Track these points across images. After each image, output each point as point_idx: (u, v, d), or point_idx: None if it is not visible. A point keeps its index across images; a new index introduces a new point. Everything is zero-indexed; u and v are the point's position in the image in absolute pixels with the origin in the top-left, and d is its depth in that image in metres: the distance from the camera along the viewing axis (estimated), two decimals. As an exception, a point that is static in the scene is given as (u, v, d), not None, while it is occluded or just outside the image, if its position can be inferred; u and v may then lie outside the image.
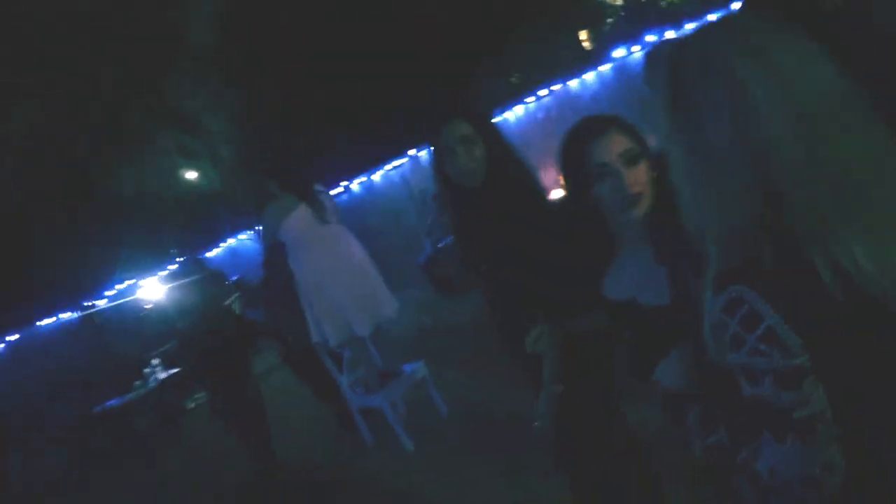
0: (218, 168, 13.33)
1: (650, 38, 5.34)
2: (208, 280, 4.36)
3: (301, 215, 4.00)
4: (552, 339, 1.90)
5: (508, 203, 1.90)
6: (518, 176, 1.97)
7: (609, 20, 19.36)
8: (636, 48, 5.57)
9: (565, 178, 1.49)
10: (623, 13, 18.94)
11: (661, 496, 2.20)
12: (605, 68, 5.97)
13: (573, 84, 6.29)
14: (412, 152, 8.31)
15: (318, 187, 4.16)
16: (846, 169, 0.81)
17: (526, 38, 18.49)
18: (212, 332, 4.10)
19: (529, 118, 6.87)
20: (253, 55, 12.57)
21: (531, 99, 6.73)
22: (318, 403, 5.00)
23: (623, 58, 5.71)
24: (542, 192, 2.06)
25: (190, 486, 5.40)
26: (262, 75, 12.52)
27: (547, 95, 6.59)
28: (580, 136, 1.45)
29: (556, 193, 6.23)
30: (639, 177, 1.39)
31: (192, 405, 7.80)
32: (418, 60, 14.17)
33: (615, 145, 1.39)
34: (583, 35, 22.10)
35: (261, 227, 4.37)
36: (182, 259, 6.80)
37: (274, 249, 4.12)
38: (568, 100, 6.43)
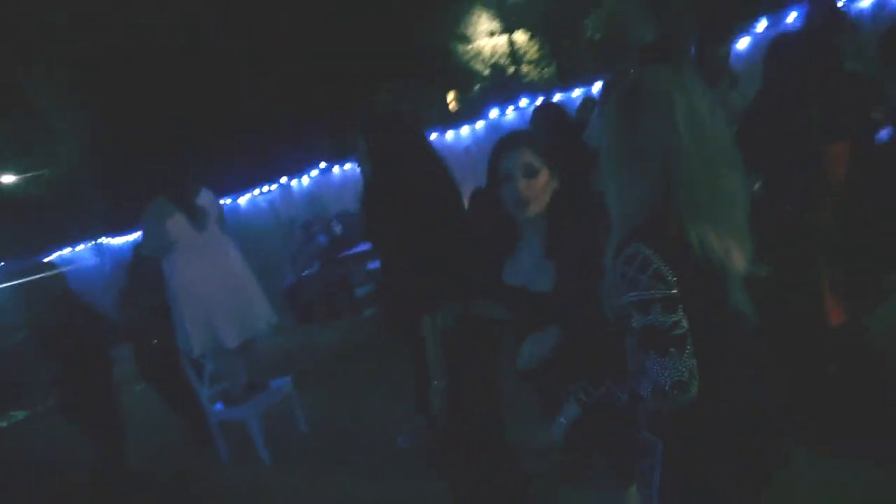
0: (61, 169, 12.31)
1: (524, 101, 6.02)
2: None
3: (180, 220, 3.97)
4: (436, 330, 2.19)
5: (417, 193, 2.22)
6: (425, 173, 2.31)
7: (477, 86, 20.84)
8: (510, 110, 6.23)
9: (487, 178, 1.83)
10: (490, 82, 20.48)
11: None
12: (479, 125, 6.55)
13: (449, 135, 6.81)
14: (283, 180, 8.36)
15: (205, 192, 4.16)
16: (717, 182, 1.27)
17: (396, 93, 19.39)
18: (66, 334, 3.88)
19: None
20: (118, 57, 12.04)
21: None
22: (173, 416, 4.81)
23: (498, 117, 6.33)
24: (453, 187, 2.38)
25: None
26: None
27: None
28: (498, 147, 1.84)
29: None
30: (533, 186, 1.77)
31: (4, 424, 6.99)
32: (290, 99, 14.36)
33: (520, 159, 1.78)
34: (450, 96, 23.47)
35: (141, 228, 4.27)
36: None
37: (145, 252, 4.05)
38: (443, 150, 6.91)
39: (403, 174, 2.31)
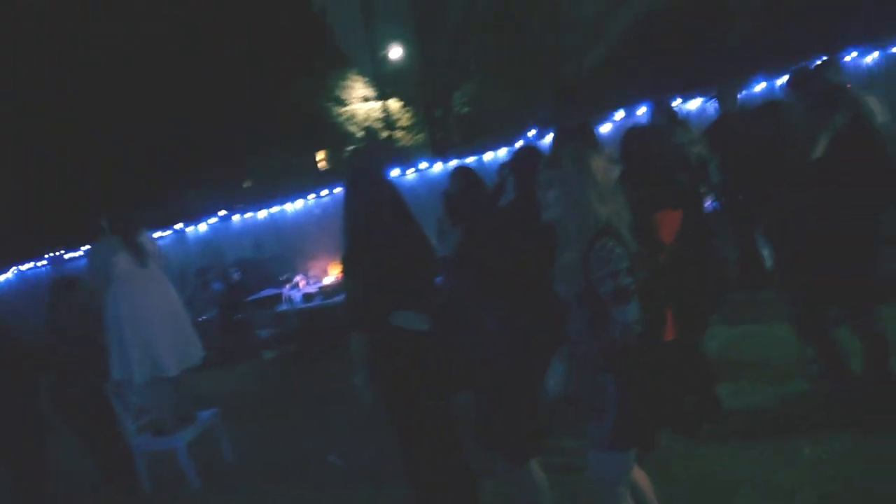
0: None
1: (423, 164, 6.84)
2: None
3: (125, 257, 4.24)
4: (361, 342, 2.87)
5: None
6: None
7: (349, 148, 21.61)
8: (410, 171, 7.03)
9: None
10: (362, 144, 21.37)
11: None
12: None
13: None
14: (178, 226, 8.44)
15: (144, 233, 4.44)
16: (617, 208, 2.09)
17: (268, 151, 19.71)
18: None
19: (307, 211, 7.76)
20: None
21: (311, 196, 7.67)
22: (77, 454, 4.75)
23: (398, 177, 7.09)
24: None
25: None
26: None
27: (326, 196, 7.61)
28: None
29: (328, 279, 7.10)
30: (442, 235, 2.85)
31: None
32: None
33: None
34: (320, 155, 24.05)
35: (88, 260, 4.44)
36: None
37: (92, 286, 4.23)
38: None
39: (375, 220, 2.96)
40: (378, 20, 19.79)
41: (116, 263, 4.19)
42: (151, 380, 4.32)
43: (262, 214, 7.97)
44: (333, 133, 21.17)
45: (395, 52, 19.89)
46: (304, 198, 7.66)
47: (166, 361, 4.27)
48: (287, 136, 19.57)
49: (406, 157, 19.30)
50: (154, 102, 14.39)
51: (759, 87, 5.88)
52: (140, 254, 4.30)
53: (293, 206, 7.75)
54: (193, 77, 15.61)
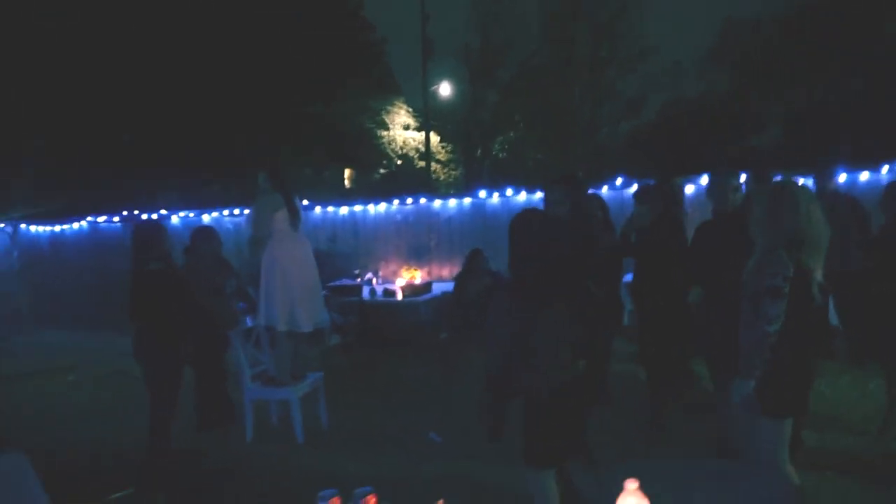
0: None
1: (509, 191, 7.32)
2: None
3: (284, 215, 4.60)
4: None
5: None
6: None
7: (381, 171, 22.10)
8: (496, 195, 7.49)
9: None
10: (394, 170, 21.86)
11: None
12: (467, 201, 7.72)
13: (436, 203, 7.90)
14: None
15: (297, 196, 4.83)
16: (816, 236, 2.55)
17: (300, 159, 19.99)
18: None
19: (389, 216, 8.17)
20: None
21: (396, 202, 8.10)
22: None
23: (483, 199, 7.56)
24: None
25: None
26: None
27: (411, 204, 8.03)
28: None
29: (400, 280, 7.45)
30: None
31: None
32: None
33: None
34: (346, 173, 24.50)
35: (250, 212, 4.78)
36: None
37: (255, 235, 4.56)
38: (427, 213, 7.98)
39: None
40: (435, 56, 20.50)
41: (277, 220, 4.55)
42: (286, 332, 4.63)
43: (344, 210, 8.37)
44: (369, 154, 21.65)
45: (445, 89, 20.65)
46: (390, 202, 8.08)
47: (303, 318, 4.60)
48: (321, 148, 19.87)
49: (436, 190, 19.88)
50: (205, 92, 14.80)
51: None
52: (295, 215, 4.66)
53: (375, 208, 8.17)
54: (245, 71, 15.91)
